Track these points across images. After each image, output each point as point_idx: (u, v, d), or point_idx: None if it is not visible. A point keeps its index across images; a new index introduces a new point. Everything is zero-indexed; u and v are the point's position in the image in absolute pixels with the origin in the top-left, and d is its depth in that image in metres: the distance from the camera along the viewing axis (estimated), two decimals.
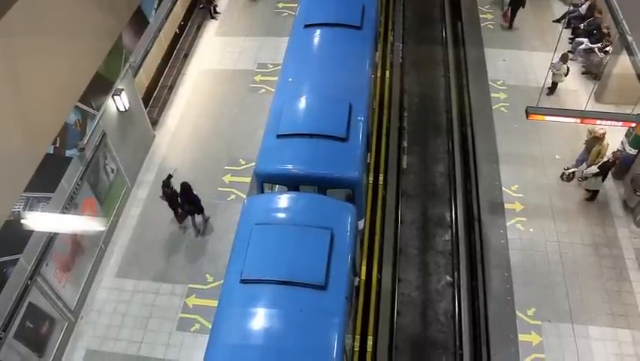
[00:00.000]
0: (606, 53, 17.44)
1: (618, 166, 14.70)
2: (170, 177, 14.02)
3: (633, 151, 14.43)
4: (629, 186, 14.43)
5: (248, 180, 15.44)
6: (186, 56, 19.67)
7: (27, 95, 10.51)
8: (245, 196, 14.85)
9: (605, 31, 18.07)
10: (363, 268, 13.40)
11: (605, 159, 14.37)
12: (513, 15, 20.22)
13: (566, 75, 17.21)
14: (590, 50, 18.09)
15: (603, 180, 14.38)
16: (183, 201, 14.07)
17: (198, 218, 14.42)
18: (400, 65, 19.32)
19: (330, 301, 9.37)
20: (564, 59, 16.91)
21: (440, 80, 19.28)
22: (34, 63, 10.58)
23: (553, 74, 17.03)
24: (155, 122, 17.28)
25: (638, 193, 13.97)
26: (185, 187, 13.83)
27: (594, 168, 14.14)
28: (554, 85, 17.44)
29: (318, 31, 14.76)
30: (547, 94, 17.35)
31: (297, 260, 9.77)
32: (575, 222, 14.40)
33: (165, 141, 16.95)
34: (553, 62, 16.57)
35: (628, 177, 14.65)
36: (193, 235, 14.47)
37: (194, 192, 13.95)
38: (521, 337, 12.31)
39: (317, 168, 11.69)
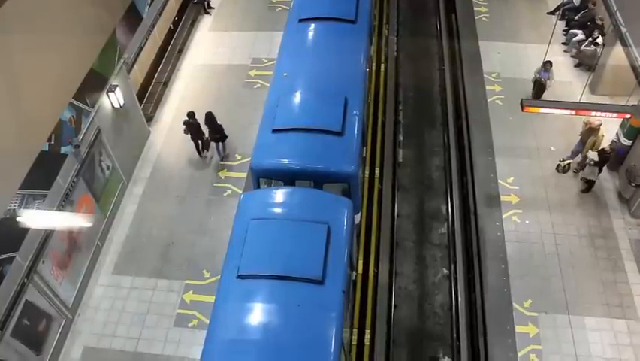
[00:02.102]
0: (596, 44, 17.43)
1: (613, 157, 14.73)
2: (192, 112, 15.34)
3: (628, 142, 14.47)
4: (624, 177, 14.47)
5: (244, 175, 15.42)
6: (180, 51, 19.60)
7: (21, 91, 10.47)
8: (241, 192, 14.84)
9: (599, 22, 18.07)
10: (360, 262, 13.43)
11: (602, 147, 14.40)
12: None
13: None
14: (586, 42, 18.05)
15: (599, 171, 14.41)
16: (210, 130, 15.55)
17: (221, 146, 15.93)
18: (394, 58, 19.30)
19: (328, 295, 9.39)
20: (549, 65, 16.34)
21: (435, 73, 19.27)
22: (27, 59, 10.53)
23: (540, 82, 16.56)
24: (150, 119, 17.23)
25: (633, 184, 14.02)
26: (210, 116, 15.46)
27: (595, 154, 14.10)
28: (542, 89, 16.81)
29: (313, 26, 14.71)
30: (536, 97, 16.83)
31: (294, 255, 9.77)
32: (570, 213, 14.45)
33: (160, 136, 16.90)
34: (538, 73, 16.28)
35: (623, 169, 14.70)
36: (217, 161, 16.03)
37: (218, 122, 15.53)
38: (518, 328, 12.37)
39: (313, 162, 11.67)
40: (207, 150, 16.13)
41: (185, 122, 15.41)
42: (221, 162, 15.95)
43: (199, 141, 15.83)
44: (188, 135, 15.61)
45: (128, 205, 15.14)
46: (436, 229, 14.82)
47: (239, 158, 16.02)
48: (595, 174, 14.38)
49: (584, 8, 19.13)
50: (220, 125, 15.51)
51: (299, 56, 14.08)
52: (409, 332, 12.84)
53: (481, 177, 15.32)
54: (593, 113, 13.09)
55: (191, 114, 15.31)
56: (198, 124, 15.48)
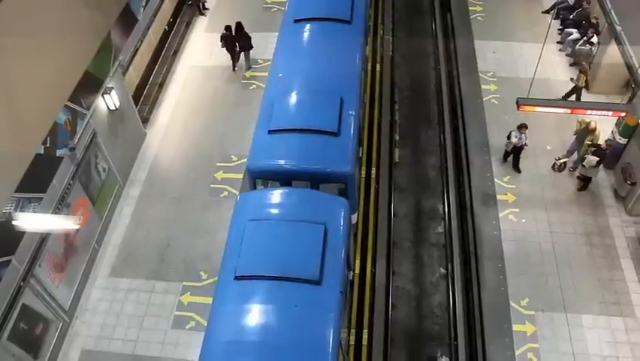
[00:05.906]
0: (591, 43, 17.46)
1: (609, 155, 14.76)
2: (229, 26, 17.87)
3: (623, 140, 14.51)
4: (620, 175, 14.52)
5: (240, 176, 15.41)
6: (176, 53, 19.56)
7: (16, 94, 10.46)
8: (237, 193, 14.82)
9: (593, 21, 18.12)
10: (358, 262, 13.43)
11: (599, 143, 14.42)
12: None
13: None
14: (581, 41, 18.06)
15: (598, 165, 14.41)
16: (239, 38, 18.01)
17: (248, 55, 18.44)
18: (390, 58, 19.32)
19: (325, 295, 9.39)
20: (524, 128, 14.75)
21: (431, 72, 19.30)
22: (22, 62, 10.52)
23: (515, 146, 15.02)
24: (145, 120, 17.19)
25: (628, 182, 14.07)
26: (240, 25, 17.99)
27: (594, 159, 14.07)
28: (518, 151, 15.23)
29: (308, 26, 14.72)
30: (504, 159, 15.67)
31: (291, 255, 9.77)
32: (567, 212, 14.48)
33: (156, 138, 16.87)
34: (512, 139, 14.84)
35: (618, 167, 14.74)
36: (244, 71, 18.64)
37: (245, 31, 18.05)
38: (515, 327, 12.39)
39: (309, 163, 11.67)
40: (237, 62, 18.55)
41: (222, 36, 17.97)
42: (247, 72, 18.62)
43: (232, 54, 18.27)
44: (224, 49, 18.19)
45: (125, 207, 15.10)
46: (432, 228, 14.83)
47: (235, 159, 16.00)
48: (595, 172, 14.39)
49: (578, 7, 19.18)
50: (247, 34, 18.00)
51: (294, 57, 14.08)
52: (406, 332, 12.84)
53: (477, 176, 15.35)
54: (589, 111, 13.12)
55: (228, 27, 17.86)
56: (233, 36, 17.92)
